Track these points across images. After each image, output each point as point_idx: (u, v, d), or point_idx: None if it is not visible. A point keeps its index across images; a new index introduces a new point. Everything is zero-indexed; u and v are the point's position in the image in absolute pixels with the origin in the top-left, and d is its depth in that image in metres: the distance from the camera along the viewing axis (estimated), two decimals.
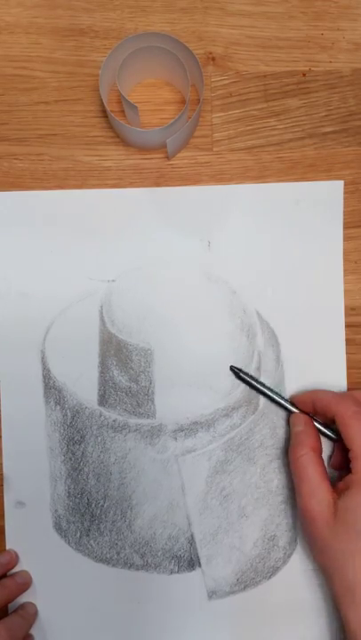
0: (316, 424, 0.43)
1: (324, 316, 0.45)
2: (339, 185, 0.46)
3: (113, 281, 0.45)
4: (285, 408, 0.44)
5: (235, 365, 0.44)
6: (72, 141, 0.46)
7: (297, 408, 0.43)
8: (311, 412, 0.43)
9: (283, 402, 0.44)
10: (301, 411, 0.43)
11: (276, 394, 0.44)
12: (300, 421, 0.42)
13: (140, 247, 0.45)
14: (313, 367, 0.45)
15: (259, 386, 0.44)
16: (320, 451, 0.41)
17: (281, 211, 0.46)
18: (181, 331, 0.44)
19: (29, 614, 0.43)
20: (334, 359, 0.45)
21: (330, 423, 0.42)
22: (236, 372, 0.44)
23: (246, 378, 0.44)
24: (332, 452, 0.44)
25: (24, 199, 0.45)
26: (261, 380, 0.44)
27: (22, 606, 0.44)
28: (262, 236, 0.46)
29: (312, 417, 0.43)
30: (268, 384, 0.44)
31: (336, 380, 0.45)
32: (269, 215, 0.46)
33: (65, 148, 0.46)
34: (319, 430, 0.43)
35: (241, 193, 0.46)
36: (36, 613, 0.44)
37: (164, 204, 0.45)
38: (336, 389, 0.45)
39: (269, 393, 0.44)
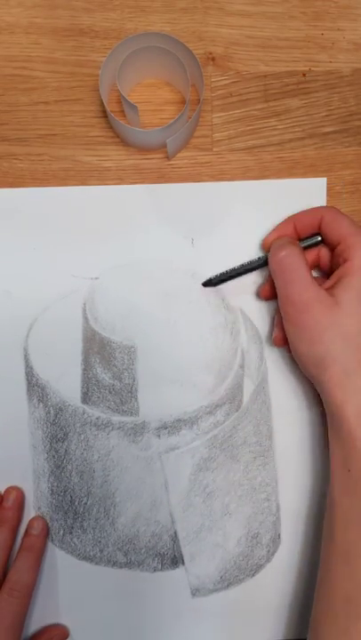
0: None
1: None
2: (321, 182, 0.46)
3: (96, 278, 0.45)
4: (265, 260, 0.43)
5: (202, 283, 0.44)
6: (72, 141, 0.46)
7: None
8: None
9: (259, 260, 0.43)
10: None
11: (250, 262, 0.43)
12: (283, 242, 0.41)
13: (123, 245, 0.45)
14: (297, 364, 0.45)
15: (235, 273, 0.43)
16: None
17: (263, 208, 0.45)
18: (165, 328, 0.44)
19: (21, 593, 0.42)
20: None
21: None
22: (207, 282, 0.43)
23: (220, 278, 0.43)
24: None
25: (6, 196, 0.45)
26: (245, 370, 0.43)
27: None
28: (245, 233, 0.45)
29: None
30: (254, 379, 0.44)
31: None
32: (252, 213, 0.45)
33: (65, 148, 0.46)
34: (303, 242, 0.42)
35: (223, 191, 0.46)
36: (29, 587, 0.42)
37: (148, 202, 0.45)
38: None
39: (248, 267, 0.43)
